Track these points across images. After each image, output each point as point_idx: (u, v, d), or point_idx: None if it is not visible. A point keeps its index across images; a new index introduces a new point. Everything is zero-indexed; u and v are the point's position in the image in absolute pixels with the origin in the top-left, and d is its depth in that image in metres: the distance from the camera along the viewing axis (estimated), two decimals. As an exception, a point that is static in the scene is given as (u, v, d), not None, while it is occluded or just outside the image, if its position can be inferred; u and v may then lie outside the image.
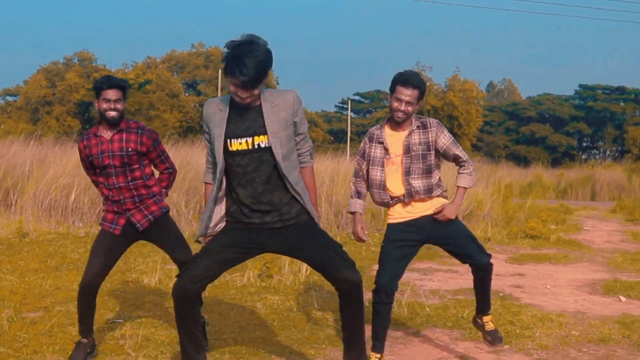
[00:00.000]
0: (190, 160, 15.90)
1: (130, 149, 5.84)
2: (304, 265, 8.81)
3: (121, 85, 5.82)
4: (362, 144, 5.96)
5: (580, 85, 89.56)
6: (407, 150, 5.73)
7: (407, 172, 5.74)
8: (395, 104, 5.67)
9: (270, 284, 8.94)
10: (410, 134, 5.75)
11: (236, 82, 4.54)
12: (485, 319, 6.09)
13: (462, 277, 9.78)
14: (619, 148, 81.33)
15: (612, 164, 42.65)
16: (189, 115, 68.07)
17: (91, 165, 5.95)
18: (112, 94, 5.74)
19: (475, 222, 16.55)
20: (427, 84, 55.19)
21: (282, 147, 4.77)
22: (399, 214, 5.85)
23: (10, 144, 16.44)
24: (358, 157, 5.99)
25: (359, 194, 6.03)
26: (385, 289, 5.80)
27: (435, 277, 10.12)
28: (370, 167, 5.87)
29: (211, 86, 69.76)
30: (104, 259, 5.89)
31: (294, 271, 9.34)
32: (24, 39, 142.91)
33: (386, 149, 5.79)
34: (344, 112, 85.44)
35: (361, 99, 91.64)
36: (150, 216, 5.97)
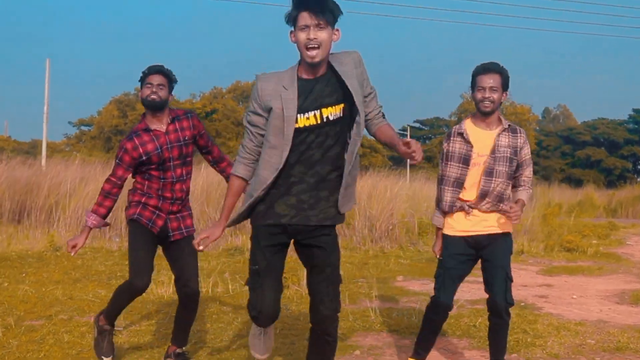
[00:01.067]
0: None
1: (187, 137, 5.32)
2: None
3: (166, 73, 5.27)
4: (444, 146, 5.24)
5: (633, 110, 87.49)
6: (493, 150, 5.10)
7: (490, 173, 5.09)
8: (479, 95, 5.07)
9: (285, 293, 8.41)
10: (500, 134, 5.14)
11: (309, 15, 3.90)
12: None
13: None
14: (675, 170, 79.28)
15: (666, 182, 41.22)
16: (252, 142, 68.08)
17: (140, 164, 5.27)
18: (155, 78, 5.19)
19: (515, 237, 15.80)
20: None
21: (361, 103, 4.09)
22: (460, 227, 5.21)
23: (56, 164, 16.28)
24: (443, 161, 5.25)
25: (438, 205, 5.34)
26: (445, 306, 5.32)
27: (459, 288, 9.42)
28: (447, 162, 5.19)
29: (274, 115, 69.73)
30: (151, 255, 5.34)
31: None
32: (97, 71, 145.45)
33: (468, 142, 5.12)
34: (405, 138, 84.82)
35: (421, 126, 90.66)
36: (184, 230, 5.42)
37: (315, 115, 4.05)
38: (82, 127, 73.56)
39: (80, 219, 13.46)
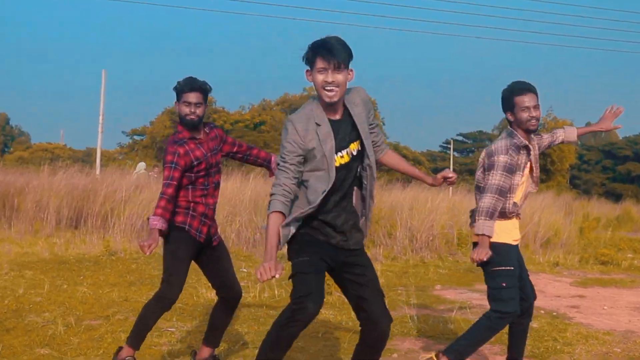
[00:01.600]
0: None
1: (216, 145, 5.40)
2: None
3: (202, 89, 5.25)
4: (507, 159, 5.01)
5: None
6: (537, 159, 5.23)
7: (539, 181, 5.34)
8: (525, 115, 5.01)
9: (328, 300, 8.56)
10: (536, 142, 5.30)
11: (327, 59, 4.00)
12: None
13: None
14: None
15: None
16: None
17: (188, 170, 5.21)
18: (192, 97, 5.18)
19: (552, 249, 15.80)
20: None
21: (371, 148, 4.27)
22: (514, 235, 5.17)
23: (111, 172, 16.68)
24: (505, 174, 5.01)
25: (493, 215, 5.00)
26: (517, 313, 5.16)
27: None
28: (517, 173, 5.09)
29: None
30: (188, 268, 5.30)
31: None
32: (150, 83, 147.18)
33: (529, 154, 5.13)
34: (448, 151, 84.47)
35: (464, 139, 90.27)
36: (217, 236, 5.49)
37: (347, 152, 4.19)
38: (135, 137, 74.14)
39: (134, 225, 13.77)
